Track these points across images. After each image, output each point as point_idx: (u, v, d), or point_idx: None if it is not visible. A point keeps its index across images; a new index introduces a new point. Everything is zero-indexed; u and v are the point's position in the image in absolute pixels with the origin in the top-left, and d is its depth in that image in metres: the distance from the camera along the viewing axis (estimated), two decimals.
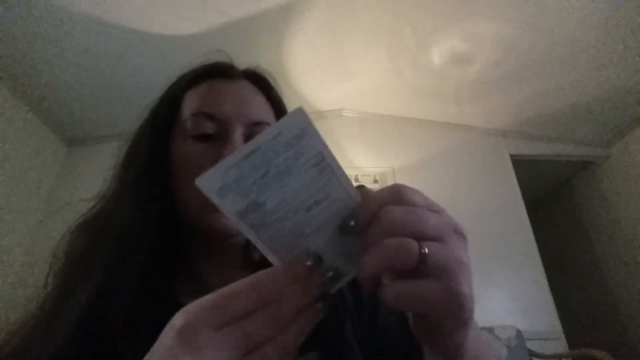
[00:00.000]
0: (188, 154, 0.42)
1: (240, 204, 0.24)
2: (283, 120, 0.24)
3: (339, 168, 0.26)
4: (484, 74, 2.19)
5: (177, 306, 0.41)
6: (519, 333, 1.73)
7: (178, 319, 0.22)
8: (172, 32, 1.92)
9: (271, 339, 0.22)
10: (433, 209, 0.25)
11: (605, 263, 2.64)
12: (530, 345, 1.76)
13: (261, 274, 0.24)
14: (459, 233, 0.24)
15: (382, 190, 0.25)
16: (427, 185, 2.43)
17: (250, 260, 0.46)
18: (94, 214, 0.44)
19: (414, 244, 0.22)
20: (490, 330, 1.75)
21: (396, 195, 0.24)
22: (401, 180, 2.43)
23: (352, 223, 0.25)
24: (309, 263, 0.24)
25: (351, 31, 2.00)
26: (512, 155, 2.57)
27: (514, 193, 2.42)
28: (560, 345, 1.92)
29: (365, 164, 2.49)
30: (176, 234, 0.44)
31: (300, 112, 0.24)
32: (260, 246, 0.25)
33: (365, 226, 0.24)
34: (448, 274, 0.22)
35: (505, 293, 2.07)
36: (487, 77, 2.21)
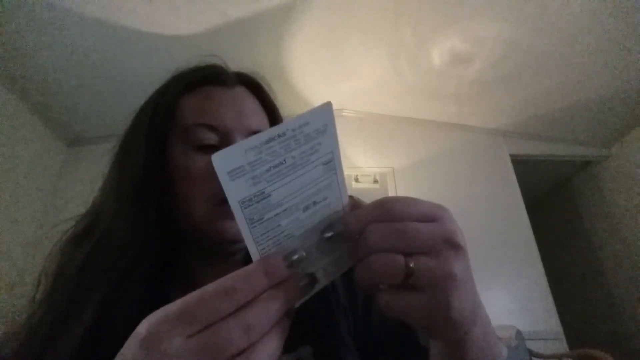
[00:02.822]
0: (190, 166, 0.41)
1: (246, 191, 0.23)
2: (311, 111, 0.23)
3: (342, 171, 0.26)
4: (484, 74, 2.19)
5: None
6: (519, 333, 1.73)
7: (142, 327, 0.20)
8: (172, 32, 1.92)
9: (244, 350, 0.20)
10: (428, 217, 0.24)
11: (605, 263, 2.64)
12: (530, 345, 1.76)
13: (233, 275, 0.22)
14: (453, 244, 0.23)
15: (370, 206, 0.25)
16: (427, 185, 2.43)
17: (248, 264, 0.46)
18: (87, 227, 0.42)
19: (399, 259, 0.22)
20: None
21: (384, 211, 0.24)
22: (401, 180, 2.43)
23: (336, 231, 0.26)
24: (287, 261, 0.24)
25: (351, 31, 2.00)
26: (512, 155, 2.56)
27: (514, 193, 2.42)
28: (560, 345, 1.92)
29: (365, 164, 2.49)
30: (172, 242, 0.43)
31: (327, 107, 0.24)
32: (249, 242, 0.24)
33: (351, 236, 0.24)
34: (435, 287, 0.22)
35: (505, 293, 2.07)
36: (487, 77, 2.21)
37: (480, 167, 2.52)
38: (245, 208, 0.23)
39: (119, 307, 0.35)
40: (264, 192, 0.23)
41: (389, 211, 0.24)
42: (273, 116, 0.52)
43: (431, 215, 0.24)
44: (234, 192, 0.23)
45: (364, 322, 0.44)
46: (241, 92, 0.48)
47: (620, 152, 2.57)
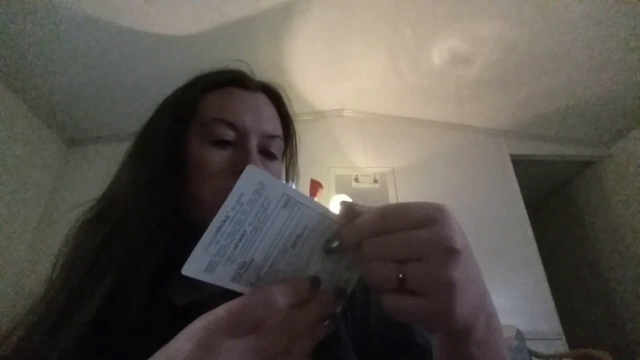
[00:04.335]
0: (205, 158, 0.42)
1: (230, 270, 0.25)
2: (238, 183, 0.25)
3: (306, 198, 0.27)
4: (484, 74, 2.19)
5: (175, 308, 0.41)
6: (519, 333, 1.73)
7: (199, 325, 0.23)
8: (172, 32, 1.92)
9: (283, 351, 0.24)
10: (422, 222, 0.24)
11: (605, 263, 2.64)
12: (530, 345, 1.76)
13: (272, 287, 0.25)
14: (447, 248, 0.23)
15: (363, 219, 0.26)
16: (427, 185, 2.43)
17: None
18: (102, 211, 0.43)
19: (391, 268, 0.24)
20: None
21: (375, 224, 0.25)
22: (401, 180, 2.43)
23: (335, 245, 0.27)
24: (308, 285, 0.26)
25: (351, 31, 2.00)
26: (512, 155, 2.56)
27: (514, 193, 2.42)
28: (560, 345, 1.92)
29: (365, 164, 2.49)
30: (180, 233, 0.43)
31: (251, 169, 0.26)
32: None
33: (350, 248, 0.27)
34: (432, 292, 0.23)
35: (505, 293, 2.07)
36: (487, 77, 2.21)
37: (480, 167, 2.52)
38: (239, 281, 0.26)
39: (130, 289, 0.36)
40: (245, 262, 0.26)
41: (380, 223, 0.25)
42: (287, 128, 0.53)
43: (425, 219, 0.24)
44: (221, 278, 0.25)
45: (362, 322, 0.44)
46: (262, 98, 0.50)
47: (620, 152, 2.57)
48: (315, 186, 2.22)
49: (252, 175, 0.26)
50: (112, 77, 2.17)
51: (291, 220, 0.27)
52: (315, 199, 2.22)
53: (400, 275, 0.23)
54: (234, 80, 0.49)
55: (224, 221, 0.25)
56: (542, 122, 2.52)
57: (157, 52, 2.02)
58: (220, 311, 0.23)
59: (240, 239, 0.25)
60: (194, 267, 0.24)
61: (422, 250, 0.23)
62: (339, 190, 2.34)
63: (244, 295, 0.24)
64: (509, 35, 1.93)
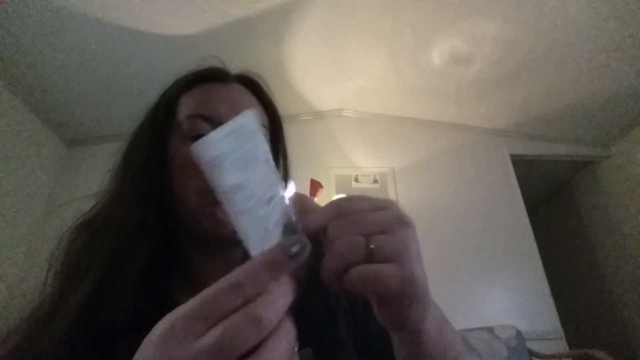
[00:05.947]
0: (185, 154, 0.43)
1: (227, 181, 0.23)
2: (243, 114, 0.26)
3: (277, 172, 0.29)
4: (484, 74, 2.19)
5: (176, 306, 0.41)
6: (519, 333, 1.73)
7: (157, 328, 0.20)
8: (172, 32, 1.92)
9: (255, 351, 0.19)
10: (378, 207, 0.27)
11: (605, 263, 2.64)
12: (530, 345, 1.76)
13: (239, 270, 0.21)
14: (404, 222, 0.26)
15: (326, 207, 0.28)
16: (427, 185, 2.43)
17: (247, 258, 0.46)
18: (93, 215, 0.44)
19: (359, 238, 0.25)
20: (490, 330, 1.75)
21: (339, 209, 0.27)
22: (401, 180, 2.43)
23: (294, 231, 0.28)
24: (294, 250, 0.22)
25: (351, 31, 2.00)
26: (512, 155, 2.56)
27: (514, 193, 2.42)
28: (560, 345, 1.92)
29: (365, 164, 2.49)
30: (172, 233, 0.44)
31: (250, 113, 0.27)
32: (242, 232, 0.24)
33: (311, 235, 0.26)
34: (397, 256, 0.25)
35: (505, 293, 2.07)
36: (487, 77, 2.21)
37: (480, 167, 2.52)
38: (231, 198, 0.23)
39: (116, 286, 0.36)
40: (238, 183, 0.24)
41: (343, 208, 0.27)
42: (272, 115, 0.53)
43: (382, 205, 0.27)
44: (219, 180, 0.23)
45: (363, 325, 0.45)
46: (238, 88, 0.50)
47: (620, 152, 2.58)
48: (315, 186, 2.21)
49: (252, 117, 0.27)
50: (112, 77, 2.17)
51: (269, 178, 0.28)
52: (316, 199, 2.22)
53: (370, 246, 0.25)
54: (206, 76, 0.49)
55: (233, 130, 0.25)
56: (542, 122, 2.52)
57: (158, 52, 2.02)
58: (184, 306, 0.20)
59: (239, 158, 0.25)
60: (204, 149, 0.22)
61: (386, 224, 0.26)
62: (339, 190, 2.34)
63: (208, 288, 0.21)
64: (509, 35, 1.93)
